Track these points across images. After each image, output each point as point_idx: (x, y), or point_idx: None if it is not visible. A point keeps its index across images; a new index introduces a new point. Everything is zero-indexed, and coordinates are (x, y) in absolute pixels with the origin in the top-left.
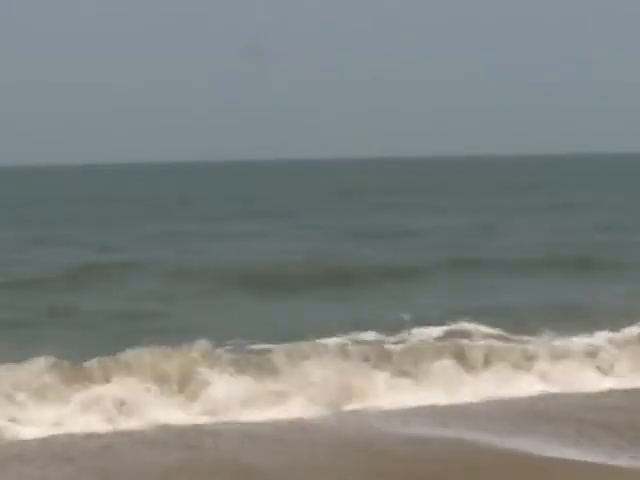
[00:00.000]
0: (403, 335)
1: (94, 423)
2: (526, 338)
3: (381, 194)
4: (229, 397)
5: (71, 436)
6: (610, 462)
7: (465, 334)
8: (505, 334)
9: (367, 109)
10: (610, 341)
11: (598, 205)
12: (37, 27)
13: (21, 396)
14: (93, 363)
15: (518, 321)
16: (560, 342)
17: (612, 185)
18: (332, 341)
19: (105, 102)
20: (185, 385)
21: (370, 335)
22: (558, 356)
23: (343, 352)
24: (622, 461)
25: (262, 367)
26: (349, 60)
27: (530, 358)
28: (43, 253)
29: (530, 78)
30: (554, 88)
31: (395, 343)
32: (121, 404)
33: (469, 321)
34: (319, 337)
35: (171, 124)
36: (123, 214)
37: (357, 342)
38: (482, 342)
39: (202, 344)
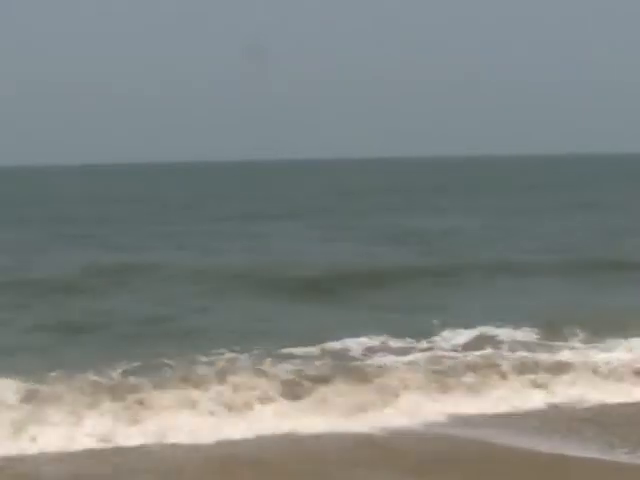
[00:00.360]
0: (433, 340)
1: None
2: (558, 344)
3: (401, 194)
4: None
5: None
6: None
7: (495, 340)
8: (537, 340)
9: (367, 109)
10: None
11: (615, 205)
12: (37, 27)
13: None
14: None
15: (551, 326)
16: (594, 350)
17: (616, 185)
18: (359, 344)
19: (105, 102)
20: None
21: (400, 341)
22: (592, 365)
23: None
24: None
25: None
26: (349, 60)
27: (563, 368)
28: (56, 253)
29: (530, 78)
30: (554, 88)
31: (424, 350)
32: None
33: (499, 326)
34: (346, 340)
35: (171, 124)
36: (131, 214)
37: (384, 347)
38: (512, 351)
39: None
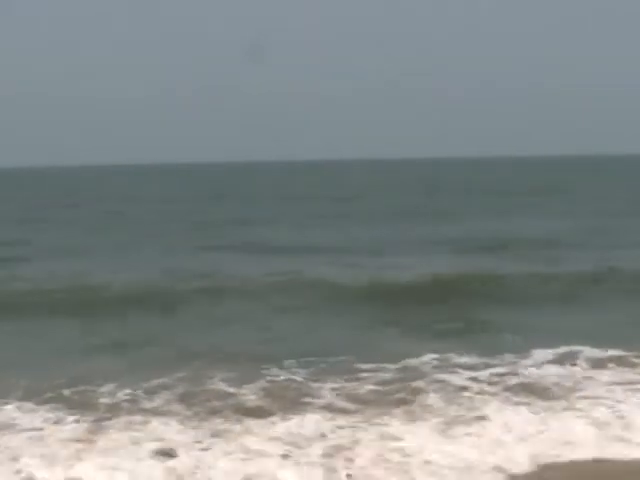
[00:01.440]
0: (505, 359)
1: None
2: None
3: (488, 195)
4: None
5: None
6: None
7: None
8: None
9: (368, 110)
10: None
11: None
12: (40, 33)
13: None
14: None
15: None
16: None
17: None
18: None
19: (106, 103)
20: None
21: (463, 358)
22: None
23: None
24: None
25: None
26: (350, 60)
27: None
28: (130, 257)
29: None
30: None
31: (491, 366)
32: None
33: (579, 344)
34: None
35: (172, 125)
36: (169, 214)
37: (449, 365)
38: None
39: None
